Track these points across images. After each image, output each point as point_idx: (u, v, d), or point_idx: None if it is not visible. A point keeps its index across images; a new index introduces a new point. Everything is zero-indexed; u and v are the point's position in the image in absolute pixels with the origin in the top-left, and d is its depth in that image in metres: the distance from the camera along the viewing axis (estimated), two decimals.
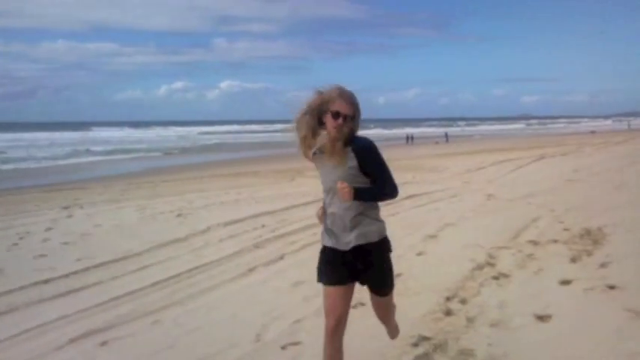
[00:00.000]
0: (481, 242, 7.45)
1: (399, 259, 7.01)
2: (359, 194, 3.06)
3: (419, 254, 7.19)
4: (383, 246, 3.30)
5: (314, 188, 14.64)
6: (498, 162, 20.50)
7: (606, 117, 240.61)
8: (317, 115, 3.11)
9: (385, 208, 10.99)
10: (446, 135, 58.94)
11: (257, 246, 8.11)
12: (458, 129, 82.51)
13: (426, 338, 4.51)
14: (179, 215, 11.08)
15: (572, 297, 5.23)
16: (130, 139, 67.27)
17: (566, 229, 7.96)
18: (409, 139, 53.96)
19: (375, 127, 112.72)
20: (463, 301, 5.31)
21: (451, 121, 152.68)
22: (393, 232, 8.74)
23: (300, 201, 12.24)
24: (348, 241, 3.17)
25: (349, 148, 3.08)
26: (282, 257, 7.44)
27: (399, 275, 6.25)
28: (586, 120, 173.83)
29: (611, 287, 5.33)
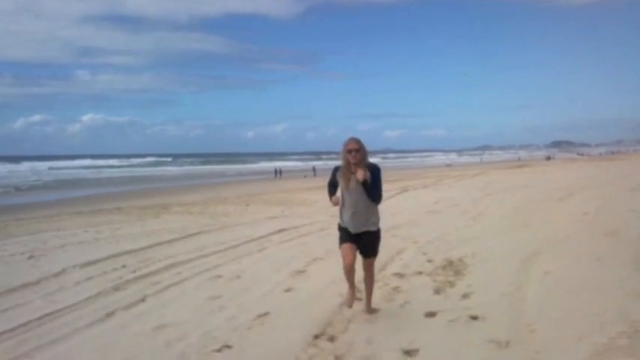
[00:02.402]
0: None
1: (267, 296, 6.83)
2: (367, 183, 5.28)
3: (287, 290, 7.04)
4: (377, 233, 5.62)
5: (181, 224, 14.19)
6: None
7: (459, 151, 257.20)
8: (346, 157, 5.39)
9: (253, 244, 10.74)
10: (314, 169, 59.92)
11: (116, 288, 7.60)
12: (322, 163, 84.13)
13: None
14: (31, 257, 10.24)
15: (438, 329, 5.30)
16: None
17: (429, 261, 8.17)
18: (277, 172, 54.30)
19: (241, 161, 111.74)
20: (331, 339, 5.21)
21: (317, 155, 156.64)
22: (261, 269, 8.55)
23: (166, 238, 11.74)
24: (363, 227, 5.49)
25: (365, 168, 5.33)
26: (143, 299, 7.01)
27: (266, 314, 6.07)
28: (440, 154, 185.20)
29: (474, 318, 5.47)
